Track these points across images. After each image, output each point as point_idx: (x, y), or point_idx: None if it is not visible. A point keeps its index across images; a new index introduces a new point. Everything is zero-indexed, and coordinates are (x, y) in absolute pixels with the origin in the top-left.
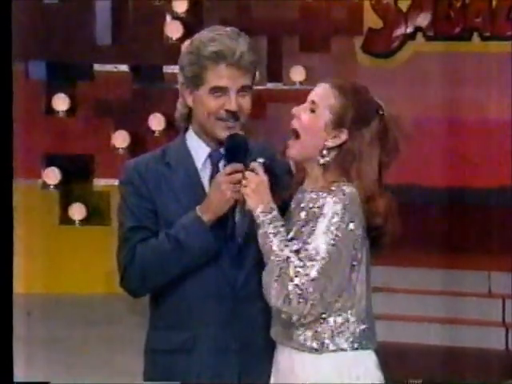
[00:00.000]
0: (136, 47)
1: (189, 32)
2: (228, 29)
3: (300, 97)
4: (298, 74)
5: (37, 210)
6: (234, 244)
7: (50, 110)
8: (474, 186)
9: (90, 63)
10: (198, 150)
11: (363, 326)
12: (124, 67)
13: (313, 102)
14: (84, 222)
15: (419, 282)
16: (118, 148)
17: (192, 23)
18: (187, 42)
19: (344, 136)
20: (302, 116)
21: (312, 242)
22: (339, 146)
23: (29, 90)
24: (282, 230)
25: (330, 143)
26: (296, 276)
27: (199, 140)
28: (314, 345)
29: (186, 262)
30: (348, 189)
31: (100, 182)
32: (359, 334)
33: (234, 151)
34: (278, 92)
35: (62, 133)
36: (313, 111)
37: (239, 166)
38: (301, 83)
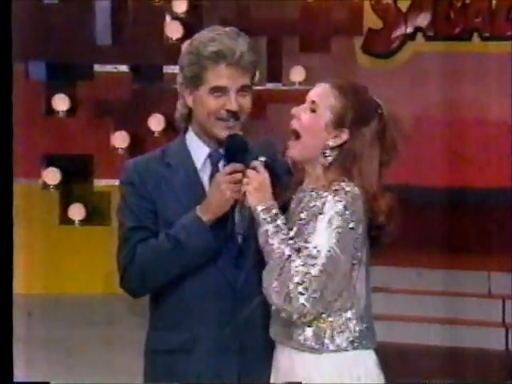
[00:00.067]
0: (136, 47)
1: (189, 32)
2: (228, 29)
3: (300, 97)
4: (297, 74)
5: (37, 210)
6: (234, 244)
7: (50, 110)
8: (474, 186)
9: (90, 63)
10: (198, 150)
11: (363, 326)
12: (124, 67)
13: (313, 102)
14: (84, 222)
15: (419, 282)
16: (118, 148)
17: (192, 23)
18: (187, 43)
19: (345, 136)
20: (302, 116)
21: (313, 241)
22: (340, 146)
23: (29, 90)
24: (283, 228)
25: (332, 143)
26: (297, 275)
27: (199, 140)
28: (315, 345)
29: (185, 262)
30: (349, 188)
31: (100, 182)
32: (359, 334)
33: (233, 151)
34: (278, 92)
35: (62, 133)
36: (313, 111)
37: (239, 165)
38: (300, 83)
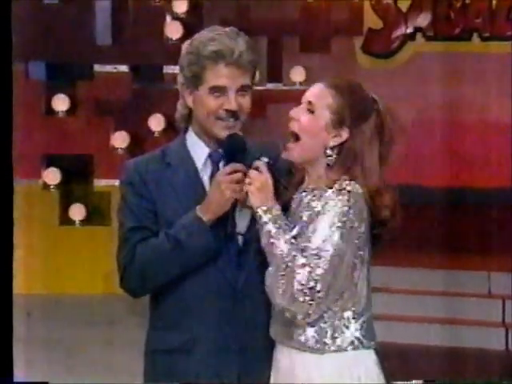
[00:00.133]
0: (136, 47)
1: (189, 32)
2: (227, 29)
3: (300, 97)
4: (298, 74)
5: (37, 211)
6: (234, 244)
7: (50, 110)
8: (474, 186)
9: (90, 63)
10: (198, 150)
11: (363, 326)
12: (124, 67)
13: (309, 103)
14: (84, 222)
15: (419, 282)
16: (118, 148)
17: (192, 23)
18: (187, 43)
19: (345, 134)
20: (301, 118)
21: (316, 241)
22: (340, 145)
23: (29, 90)
24: (285, 228)
25: (333, 143)
26: (301, 274)
27: (199, 140)
28: (316, 345)
29: (185, 262)
30: (351, 187)
31: (100, 183)
32: (360, 334)
33: (232, 151)
34: (278, 92)
35: (62, 133)
36: (311, 112)
37: (239, 165)
38: (301, 84)
